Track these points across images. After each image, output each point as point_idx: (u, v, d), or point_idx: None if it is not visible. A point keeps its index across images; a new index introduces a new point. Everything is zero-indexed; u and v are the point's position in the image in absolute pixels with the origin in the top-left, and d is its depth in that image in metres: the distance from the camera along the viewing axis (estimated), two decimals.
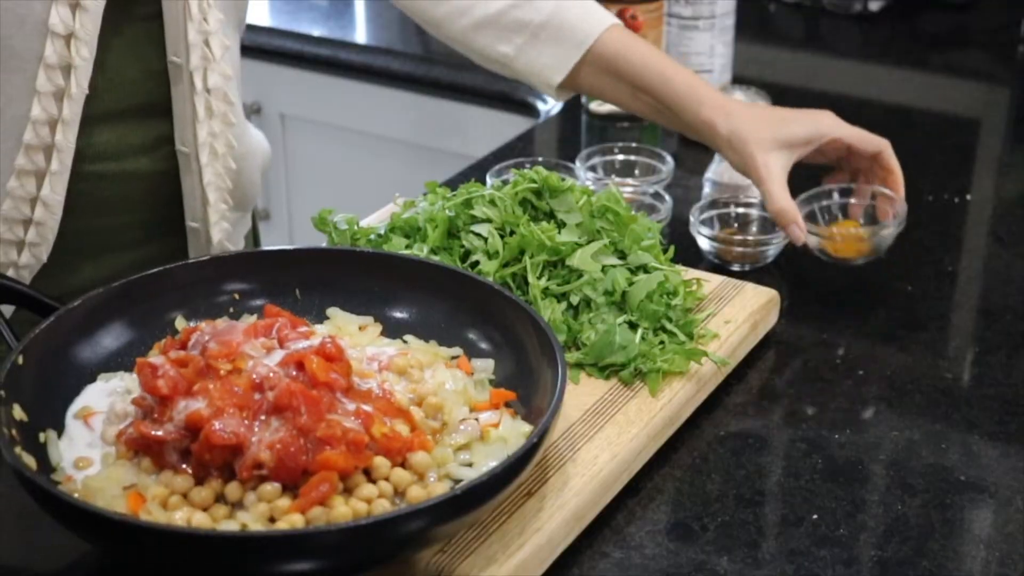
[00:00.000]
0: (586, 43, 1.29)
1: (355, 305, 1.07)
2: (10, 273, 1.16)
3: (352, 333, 1.04)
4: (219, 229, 1.25)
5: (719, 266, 1.30)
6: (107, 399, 0.95)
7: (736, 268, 1.30)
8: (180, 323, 1.03)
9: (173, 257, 1.26)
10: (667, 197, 1.36)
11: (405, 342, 1.04)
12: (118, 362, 1.00)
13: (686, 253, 1.30)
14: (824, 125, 1.25)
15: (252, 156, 1.31)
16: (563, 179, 1.17)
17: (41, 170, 1.12)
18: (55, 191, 1.13)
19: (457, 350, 1.03)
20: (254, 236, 1.46)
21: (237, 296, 1.06)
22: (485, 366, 1.01)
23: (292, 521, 0.82)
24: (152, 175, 1.21)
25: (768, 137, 1.22)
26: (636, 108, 1.33)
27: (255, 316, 1.04)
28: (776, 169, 1.21)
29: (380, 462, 0.86)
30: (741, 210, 1.35)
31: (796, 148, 1.23)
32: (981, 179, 1.59)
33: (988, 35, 2.06)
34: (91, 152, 1.16)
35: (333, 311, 1.07)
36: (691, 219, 1.31)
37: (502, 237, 1.13)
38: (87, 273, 1.22)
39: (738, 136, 1.22)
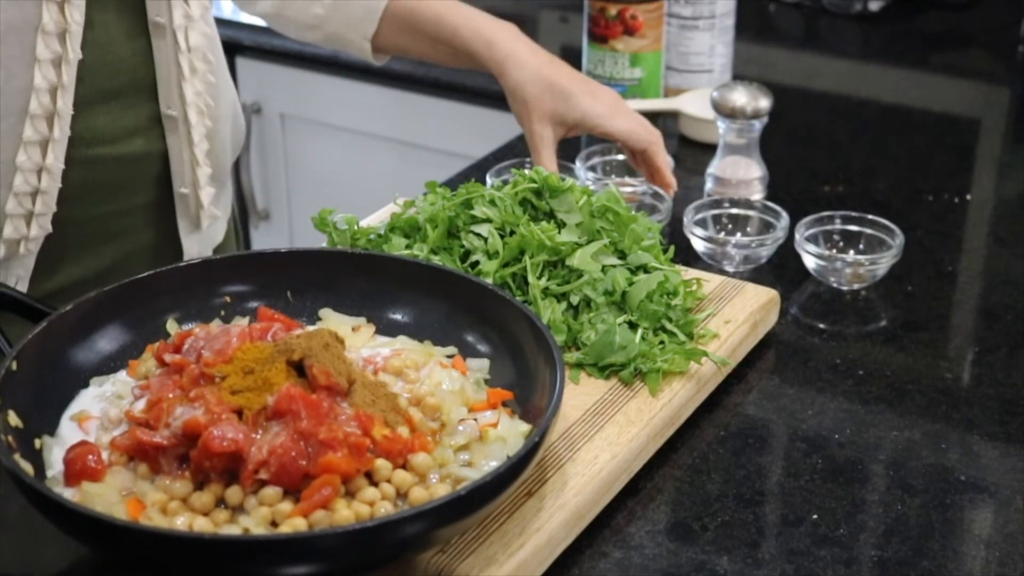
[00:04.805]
0: None
1: (348, 306, 1.07)
2: (21, 248, 1.19)
3: (346, 335, 1.04)
4: (206, 194, 1.30)
5: (716, 266, 1.30)
6: (101, 404, 0.95)
7: (730, 269, 1.30)
8: (172, 326, 1.03)
9: (167, 244, 1.30)
10: (667, 197, 1.36)
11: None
12: (111, 366, 1.00)
13: (686, 253, 1.30)
14: (594, 116, 1.30)
15: (224, 118, 1.35)
16: (563, 179, 1.17)
17: (45, 139, 1.16)
18: (57, 158, 1.17)
19: (452, 349, 1.03)
20: (245, 237, 1.48)
21: (229, 299, 1.06)
22: (480, 366, 1.01)
23: (295, 525, 0.82)
24: (144, 156, 1.24)
25: (548, 110, 1.30)
26: (440, 58, 1.38)
27: (248, 318, 1.05)
28: (548, 139, 1.32)
29: (381, 464, 0.86)
30: (737, 211, 1.35)
31: (567, 128, 1.33)
32: (981, 179, 1.59)
33: (988, 35, 2.06)
34: (88, 136, 1.19)
35: (326, 312, 1.07)
36: (685, 219, 1.31)
37: (502, 237, 1.13)
38: (88, 264, 1.25)
39: (522, 95, 1.31)
